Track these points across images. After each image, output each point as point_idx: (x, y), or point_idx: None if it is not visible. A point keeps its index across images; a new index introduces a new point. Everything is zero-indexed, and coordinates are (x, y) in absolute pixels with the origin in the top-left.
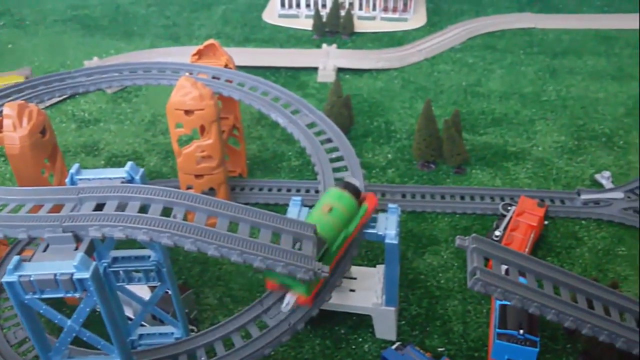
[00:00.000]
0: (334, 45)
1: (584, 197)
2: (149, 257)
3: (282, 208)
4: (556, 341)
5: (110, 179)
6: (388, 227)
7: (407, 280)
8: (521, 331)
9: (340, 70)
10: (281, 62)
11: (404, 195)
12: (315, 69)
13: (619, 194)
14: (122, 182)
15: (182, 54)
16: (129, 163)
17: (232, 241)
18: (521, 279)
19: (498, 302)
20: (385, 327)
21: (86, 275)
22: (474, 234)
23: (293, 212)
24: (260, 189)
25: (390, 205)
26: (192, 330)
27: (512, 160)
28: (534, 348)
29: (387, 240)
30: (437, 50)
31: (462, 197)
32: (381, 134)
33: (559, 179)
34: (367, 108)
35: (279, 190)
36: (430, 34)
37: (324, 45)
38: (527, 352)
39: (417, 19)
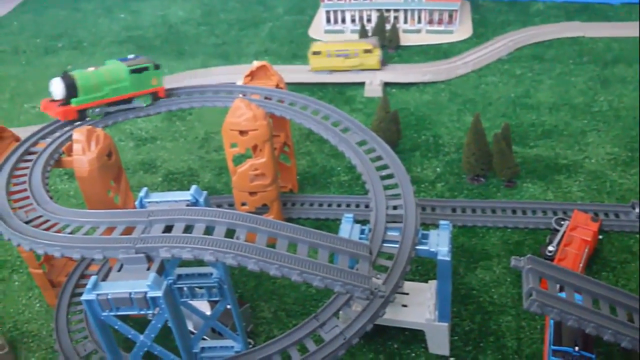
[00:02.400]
0: None
1: (639, 210)
2: (212, 274)
3: (333, 223)
4: (612, 358)
5: (176, 201)
6: (440, 244)
7: (460, 296)
8: (576, 348)
9: (386, 84)
10: (328, 78)
11: (454, 210)
12: (362, 83)
13: None
14: (187, 205)
15: (233, 72)
16: (194, 187)
17: (292, 261)
18: (576, 296)
19: (551, 320)
20: (438, 342)
21: (159, 293)
22: (529, 255)
23: (345, 228)
24: (311, 204)
25: (442, 221)
26: (250, 344)
27: (564, 173)
28: None
29: (439, 257)
30: (484, 62)
31: (514, 211)
32: (429, 148)
33: (613, 191)
34: (414, 122)
35: (329, 205)
36: (476, 46)
37: None
38: None
39: (462, 30)
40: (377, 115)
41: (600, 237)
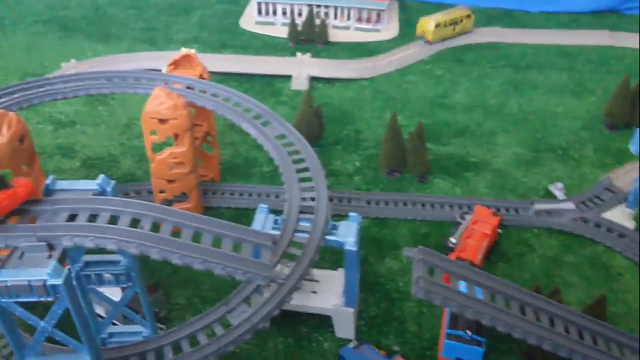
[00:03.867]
0: (308, 54)
1: (537, 207)
2: (119, 262)
3: (252, 212)
4: (502, 342)
5: (83, 190)
6: (348, 235)
7: (368, 283)
8: (469, 332)
9: (313, 78)
10: (256, 69)
11: (368, 202)
12: (290, 76)
13: (571, 205)
14: (94, 194)
15: (160, 59)
16: (101, 176)
17: (195, 251)
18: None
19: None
20: (345, 327)
21: (59, 282)
22: (420, 246)
23: (260, 218)
24: (232, 194)
25: (351, 213)
26: (161, 329)
27: (472, 170)
28: (479, 348)
29: (346, 247)
30: (407, 62)
31: (423, 205)
32: (350, 143)
33: (515, 189)
34: (338, 117)
35: (250, 195)
36: (401, 45)
37: (298, 54)
38: (474, 351)
39: (389, 29)
40: (301, 109)
41: (500, 231)
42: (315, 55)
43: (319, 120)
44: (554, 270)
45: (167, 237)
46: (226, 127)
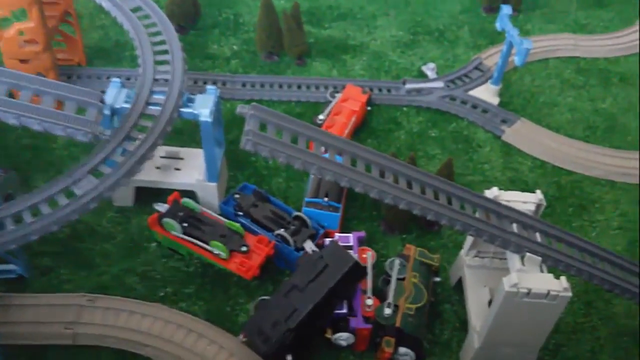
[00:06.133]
0: None
1: (408, 86)
2: None
3: None
4: (364, 210)
5: None
6: (203, 107)
7: (239, 162)
8: (325, 199)
9: None
10: None
11: (244, 85)
12: None
13: (440, 84)
14: None
15: None
16: None
17: (9, 106)
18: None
19: (311, 177)
20: (209, 200)
21: None
22: (253, 103)
23: (111, 93)
24: (99, 77)
25: (208, 87)
26: None
27: (350, 53)
28: (336, 213)
29: (201, 119)
30: None
31: (299, 87)
32: (229, 26)
33: (390, 70)
34: (217, 0)
35: (119, 77)
36: None
37: None
38: (331, 217)
39: None
40: None
41: (370, 108)
42: None
43: (193, 1)
44: (418, 144)
45: None
46: (95, 10)
